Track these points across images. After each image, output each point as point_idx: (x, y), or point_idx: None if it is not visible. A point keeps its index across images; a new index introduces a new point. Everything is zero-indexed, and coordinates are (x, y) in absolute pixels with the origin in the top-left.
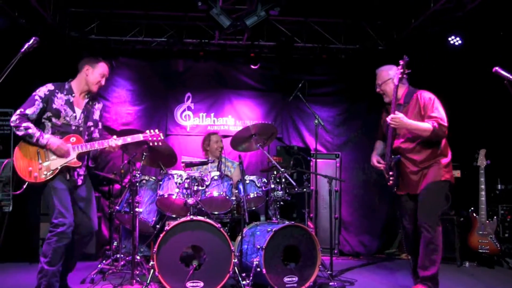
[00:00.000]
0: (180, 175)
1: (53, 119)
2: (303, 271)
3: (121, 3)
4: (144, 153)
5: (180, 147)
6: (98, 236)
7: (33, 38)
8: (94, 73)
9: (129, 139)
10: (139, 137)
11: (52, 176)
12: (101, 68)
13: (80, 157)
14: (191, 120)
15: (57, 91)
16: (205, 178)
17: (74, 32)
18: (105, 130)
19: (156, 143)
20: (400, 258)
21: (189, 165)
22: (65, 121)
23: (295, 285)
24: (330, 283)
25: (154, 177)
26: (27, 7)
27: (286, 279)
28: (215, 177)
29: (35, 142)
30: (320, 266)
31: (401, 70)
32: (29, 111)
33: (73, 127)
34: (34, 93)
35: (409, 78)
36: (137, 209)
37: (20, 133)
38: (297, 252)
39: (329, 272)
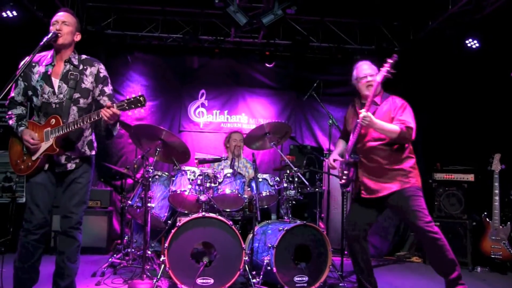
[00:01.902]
0: (193, 172)
1: (34, 99)
2: (314, 271)
3: None
4: (158, 149)
5: (193, 143)
6: (110, 230)
7: (52, 32)
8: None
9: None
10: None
11: (35, 167)
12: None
13: (59, 141)
14: (204, 117)
15: (34, 63)
16: (218, 175)
17: (90, 26)
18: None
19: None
20: (411, 261)
21: (202, 161)
22: (44, 100)
23: (305, 284)
24: (340, 284)
25: (166, 173)
26: (45, 0)
27: (296, 279)
28: (228, 175)
29: (17, 134)
30: (330, 266)
31: (388, 69)
32: (14, 93)
33: (53, 106)
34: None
35: (420, 80)
36: (149, 204)
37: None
38: (308, 252)
39: (339, 273)
